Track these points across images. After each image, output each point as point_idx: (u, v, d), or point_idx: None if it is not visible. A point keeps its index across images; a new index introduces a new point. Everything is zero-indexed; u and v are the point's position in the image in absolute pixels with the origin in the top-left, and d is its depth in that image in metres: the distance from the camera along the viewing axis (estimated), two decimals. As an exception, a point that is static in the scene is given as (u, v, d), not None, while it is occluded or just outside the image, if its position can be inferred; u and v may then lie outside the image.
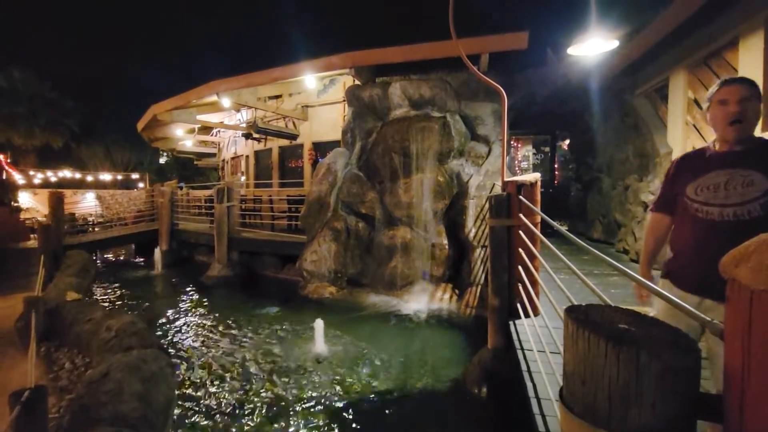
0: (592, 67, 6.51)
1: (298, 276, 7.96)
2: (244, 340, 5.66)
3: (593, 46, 4.39)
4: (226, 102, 10.06)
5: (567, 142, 11.76)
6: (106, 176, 29.22)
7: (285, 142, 12.42)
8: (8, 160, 11.17)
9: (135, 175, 31.53)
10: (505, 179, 4.12)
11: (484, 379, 3.85)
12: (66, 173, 27.16)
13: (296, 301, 7.41)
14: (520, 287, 3.57)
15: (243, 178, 14.70)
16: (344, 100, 9.41)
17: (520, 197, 3.61)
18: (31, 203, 19.61)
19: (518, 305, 3.59)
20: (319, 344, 5.23)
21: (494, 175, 6.87)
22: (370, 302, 7.05)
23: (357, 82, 8.51)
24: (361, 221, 7.66)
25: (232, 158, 15.98)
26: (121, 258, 14.17)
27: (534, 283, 3.38)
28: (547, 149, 12.46)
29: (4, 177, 10.82)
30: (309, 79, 9.31)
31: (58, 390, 3.57)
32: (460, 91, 7.50)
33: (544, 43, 8.55)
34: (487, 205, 5.26)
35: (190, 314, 7.07)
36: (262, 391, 4.18)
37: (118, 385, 2.92)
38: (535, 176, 3.83)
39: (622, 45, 5.02)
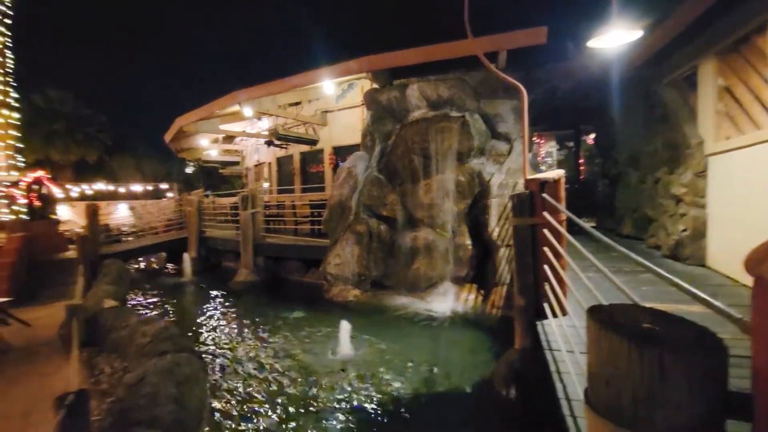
0: (614, 58, 6.31)
1: (322, 280, 8.05)
2: (272, 343, 5.77)
3: (615, 38, 4.26)
4: (247, 111, 10.31)
5: (592, 136, 11.44)
6: (137, 187, 30.44)
7: (306, 148, 12.61)
8: (48, 176, 11.79)
9: (164, 185, 32.71)
10: (528, 177, 4.05)
11: (512, 379, 3.79)
12: (100, 186, 28.47)
13: (321, 304, 7.50)
14: (547, 287, 3.50)
15: (266, 185, 15.01)
16: (363, 104, 9.48)
17: (544, 195, 3.54)
18: (69, 216, 20.65)
19: (545, 305, 3.52)
20: (345, 346, 5.27)
21: (516, 173, 6.76)
22: (394, 304, 7.06)
23: (375, 85, 8.56)
24: (383, 224, 7.68)
25: (255, 165, 16.35)
26: (154, 266, 14.71)
27: (561, 282, 3.31)
28: (571, 144, 12.16)
29: (45, 192, 11.43)
30: (327, 84, 9.43)
31: (100, 393, 3.74)
32: (479, 89, 7.42)
33: (565, 37, 8.35)
34: (509, 204, 5.18)
35: (219, 319, 7.27)
36: (290, 392, 4.25)
37: (154, 389, 3.03)
38: (558, 173, 3.75)
39: (646, 34, 4.85)
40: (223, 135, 13.74)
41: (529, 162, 5.62)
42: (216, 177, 31.82)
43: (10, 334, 5.16)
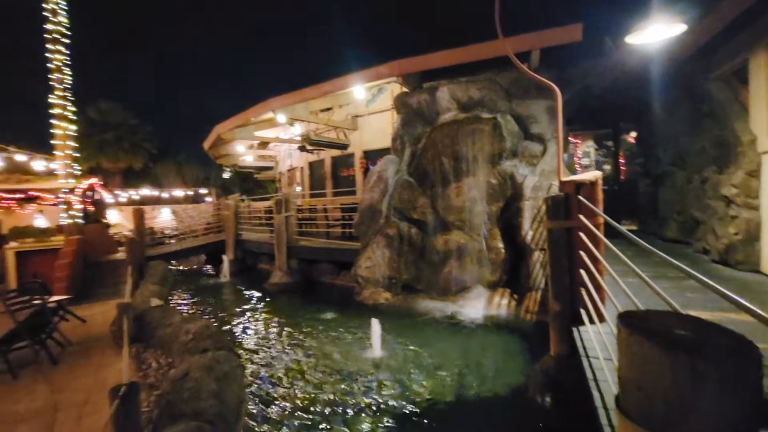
0: (656, 53, 6.04)
1: (353, 282, 8.16)
2: (305, 343, 5.92)
3: (656, 33, 4.09)
4: (281, 118, 10.64)
5: (633, 134, 10.94)
6: (178, 192, 31.97)
7: (337, 152, 12.85)
8: (100, 183, 12.66)
9: (203, 190, 34.16)
10: (562, 179, 3.95)
11: (547, 386, 3.69)
12: (146, 191, 30.12)
13: (352, 306, 7.60)
14: (583, 292, 3.39)
15: (299, 189, 15.39)
16: (392, 108, 9.55)
17: (580, 197, 3.45)
18: (118, 219, 22.02)
19: (582, 311, 3.41)
20: (376, 349, 5.32)
21: (551, 174, 6.59)
22: (425, 308, 7.05)
23: (404, 89, 8.61)
24: (414, 227, 7.69)
25: (288, 170, 16.80)
26: (194, 267, 15.42)
27: (598, 288, 3.20)
28: (610, 143, 11.67)
29: (97, 197, 12.28)
30: (358, 89, 9.57)
31: (147, 386, 3.99)
32: (511, 89, 7.31)
33: (602, 33, 8.07)
34: (543, 207, 5.06)
35: (255, 319, 7.53)
36: (323, 392, 4.35)
37: (197, 384, 3.20)
38: (595, 174, 3.64)
39: (689, 28, 4.62)
40: (258, 141, 14.23)
41: (564, 163, 5.47)
42: (251, 182, 32.95)
43: (69, 330, 5.58)
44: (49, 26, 9.71)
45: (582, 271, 3.42)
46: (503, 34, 4.67)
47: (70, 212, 9.89)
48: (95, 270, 9.57)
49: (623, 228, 2.17)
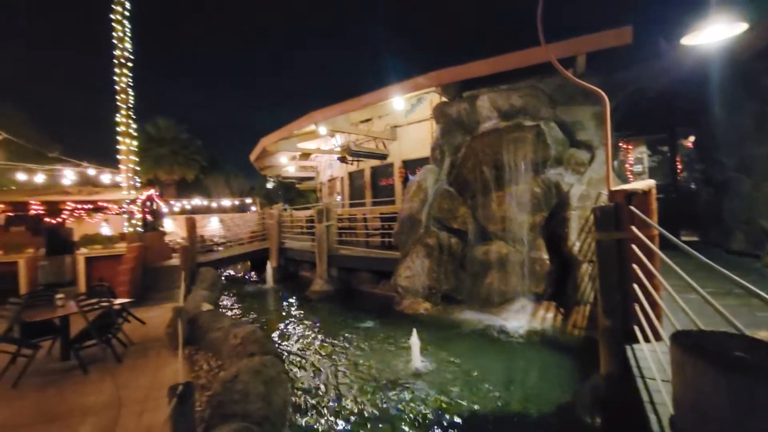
0: (716, 52, 5.66)
1: (392, 292, 8.18)
2: (345, 351, 6.00)
3: (715, 33, 3.84)
4: (322, 130, 10.99)
5: (691, 139, 10.23)
6: (226, 202, 33.67)
7: (376, 162, 13.03)
8: (157, 194, 13.64)
9: (248, 200, 35.76)
10: (612, 188, 3.78)
11: (597, 406, 3.51)
12: (196, 201, 32.02)
13: (392, 316, 7.61)
14: (637, 308, 3.21)
15: (339, 198, 15.73)
16: (432, 118, 9.58)
17: (631, 207, 3.28)
18: (171, 228, 23.53)
19: (636, 328, 3.23)
20: (416, 359, 5.29)
21: (599, 183, 6.31)
22: (465, 319, 6.93)
23: (444, 98, 8.62)
24: (454, 237, 7.62)
25: (329, 180, 17.23)
26: (239, 273, 16.12)
27: (654, 304, 3.02)
28: (666, 148, 10.97)
29: (155, 207, 13.22)
30: (397, 100, 9.70)
31: (199, 387, 4.21)
32: (555, 96, 7.11)
33: (655, 33, 7.68)
34: (592, 217, 4.85)
35: (296, 325, 7.74)
36: (362, 400, 4.38)
37: (246, 387, 3.35)
38: (648, 183, 3.45)
39: (752, 25, 4.30)
40: (300, 152, 14.75)
41: (614, 171, 5.23)
42: (293, 191, 34.07)
43: (130, 330, 6.02)
44: (116, 52, 10.69)
45: (635, 286, 3.24)
46: (546, 40, 4.57)
47: (132, 221, 10.71)
48: (152, 275, 10.27)
49: (679, 241, 2.04)
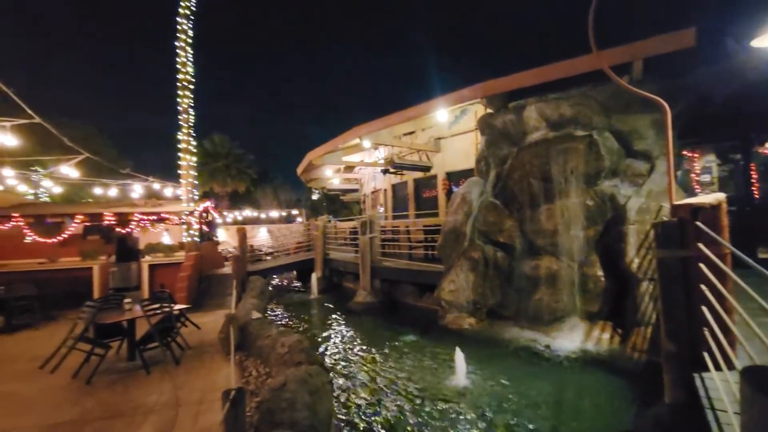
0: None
1: (436, 305, 8.07)
2: (388, 365, 5.97)
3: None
4: (366, 143, 11.21)
5: None
6: (274, 213, 35.13)
7: (419, 174, 13.04)
8: (213, 205, 14.53)
9: (295, 211, 37.08)
10: (675, 201, 3.52)
11: (662, 440, 3.23)
12: (247, 212, 33.69)
13: (435, 330, 7.49)
14: (707, 333, 2.94)
15: (381, 210, 15.88)
16: (476, 129, 9.46)
17: (698, 223, 3.04)
18: (224, 237, 24.89)
19: (705, 354, 2.95)
20: (461, 376, 5.16)
21: (660, 195, 5.89)
22: (512, 336, 6.67)
23: (489, 110, 8.50)
24: (500, 251, 7.40)
25: (372, 192, 17.47)
26: (285, 283, 16.66)
27: (725, 329, 2.75)
28: (738, 156, 10.04)
29: (210, 219, 14.08)
30: (441, 113, 9.70)
31: (248, 393, 4.38)
32: (609, 104, 6.76)
33: (722, 33, 7.12)
34: (652, 233, 4.54)
35: (340, 336, 7.84)
36: (407, 416, 4.33)
37: (293, 395, 3.44)
38: (717, 197, 3.18)
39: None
40: (344, 165, 15.12)
41: (677, 182, 4.87)
42: (337, 203, 34.87)
43: (187, 335, 6.39)
44: (179, 76, 11.64)
45: (704, 308, 2.98)
46: (599, 45, 4.39)
47: (190, 231, 11.47)
48: (207, 282, 10.89)
49: (752, 261, 1.86)
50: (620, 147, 6.56)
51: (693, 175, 10.29)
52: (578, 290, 6.34)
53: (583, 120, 6.78)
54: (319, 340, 7.60)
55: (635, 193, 6.17)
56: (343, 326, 8.59)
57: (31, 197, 15.86)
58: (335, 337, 7.81)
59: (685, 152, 9.75)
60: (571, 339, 6.13)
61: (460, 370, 5.21)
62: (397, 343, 6.96)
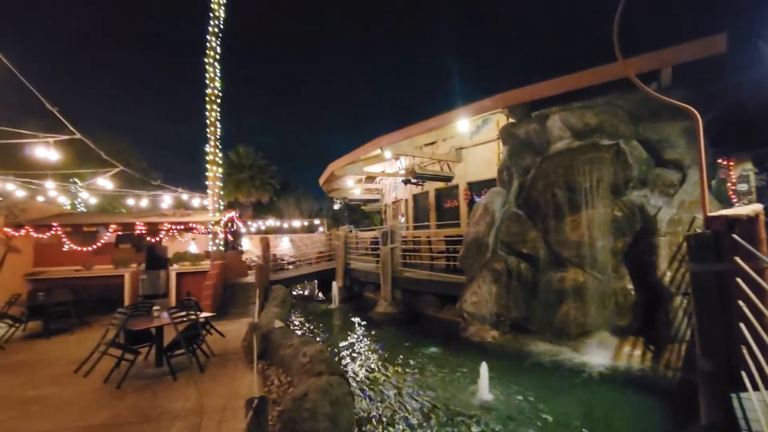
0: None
1: (457, 317, 7.96)
2: (409, 377, 5.91)
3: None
4: (387, 154, 11.29)
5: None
6: (296, 223, 35.64)
7: (440, 185, 13.00)
8: (237, 215, 14.90)
9: (316, 221, 37.50)
10: (710, 213, 3.38)
11: (699, 465, 3.06)
12: (270, 222, 34.31)
13: (457, 342, 7.38)
14: (745, 351, 2.79)
15: (402, 220, 15.87)
16: (498, 138, 9.39)
17: (734, 236, 2.91)
18: (247, 246, 25.41)
19: (743, 374, 2.79)
20: (484, 391, 5.05)
21: (693, 206, 5.66)
22: (537, 350, 6.49)
23: (511, 119, 8.44)
24: (524, 262, 7.26)
25: (393, 202, 17.50)
26: (307, 292, 16.82)
27: (765, 347, 2.60)
28: (777, 165, 9.55)
29: (235, 228, 14.43)
30: (461, 123, 9.69)
31: (270, 401, 4.42)
32: (636, 112, 6.61)
33: (755, 38, 6.86)
34: (685, 245, 4.36)
35: (360, 347, 7.82)
36: (429, 429, 4.26)
37: (314, 405, 3.46)
38: (754, 208, 3.04)
39: None
40: (366, 176, 15.26)
41: (710, 192, 4.68)
42: (359, 213, 35.13)
43: (212, 342, 6.53)
44: (208, 90, 12.10)
45: (742, 325, 2.83)
46: (626, 52, 4.31)
47: (216, 241, 11.78)
48: (231, 291, 11.12)
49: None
50: (649, 156, 6.38)
51: (729, 184, 9.86)
52: (607, 304, 6.13)
53: (609, 129, 6.63)
54: (341, 350, 7.60)
55: (666, 203, 5.96)
56: (364, 337, 8.58)
57: (69, 207, 16.71)
58: (357, 347, 7.80)
59: (720, 160, 9.37)
60: (599, 354, 5.92)
61: (484, 385, 5.10)
62: (418, 355, 6.89)
